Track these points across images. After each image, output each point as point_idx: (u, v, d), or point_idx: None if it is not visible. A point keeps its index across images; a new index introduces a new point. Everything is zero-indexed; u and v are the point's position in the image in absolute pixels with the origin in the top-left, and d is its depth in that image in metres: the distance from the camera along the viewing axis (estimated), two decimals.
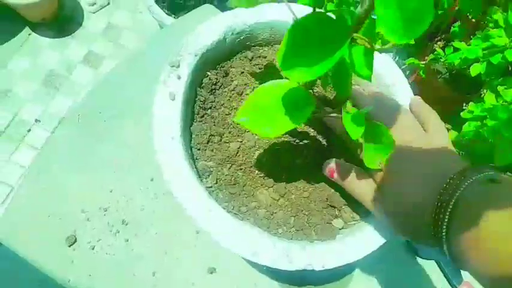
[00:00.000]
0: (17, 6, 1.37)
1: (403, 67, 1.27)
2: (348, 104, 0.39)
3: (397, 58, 1.33)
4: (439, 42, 1.41)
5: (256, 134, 0.51)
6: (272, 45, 0.58)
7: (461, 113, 1.06)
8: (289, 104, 0.37)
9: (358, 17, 0.29)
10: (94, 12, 1.58)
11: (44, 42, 1.49)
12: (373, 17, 0.30)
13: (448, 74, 1.39)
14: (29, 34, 1.49)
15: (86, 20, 1.55)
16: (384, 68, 0.56)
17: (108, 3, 1.60)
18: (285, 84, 0.38)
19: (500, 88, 0.96)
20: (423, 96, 1.48)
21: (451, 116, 1.32)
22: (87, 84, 1.39)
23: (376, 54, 0.55)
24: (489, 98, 0.99)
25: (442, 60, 1.16)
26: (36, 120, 1.35)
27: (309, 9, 0.49)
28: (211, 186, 0.48)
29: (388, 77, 0.55)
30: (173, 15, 1.20)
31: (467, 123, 1.03)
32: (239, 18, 0.53)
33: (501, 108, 0.91)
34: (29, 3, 1.34)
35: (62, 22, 1.53)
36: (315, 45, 0.29)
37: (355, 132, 0.36)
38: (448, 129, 1.28)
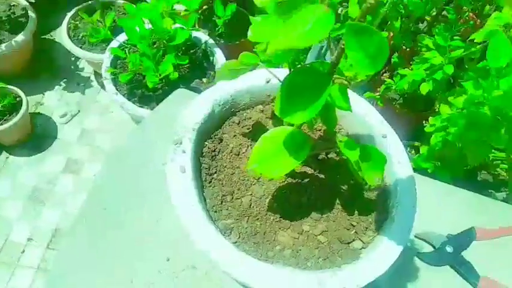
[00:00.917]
0: None
1: None
2: (338, 135, 0.46)
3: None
4: (385, 74, 1.58)
5: (263, 184, 0.56)
6: (253, 107, 0.65)
7: (425, 128, 1.17)
8: (290, 145, 0.44)
9: (332, 63, 0.37)
10: (66, 123, 1.64)
11: (22, 161, 1.52)
12: None
13: (401, 99, 1.53)
14: (7, 158, 1.52)
15: (60, 132, 1.61)
16: (354, 101, 0.64)
17: (79, 111, 1.68)
18: (283, 131, 0.45)
19: (450, 98, 1.08)
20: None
21: (415, 135, 1.44)
22: (73, 192, 1.41)
23: (357, 97, 0.64)
24: (444, 109, 1.10)
25: (393, 88, 1.29)
26: (28, 239, 1.33)
27: (284, 71, 0.58)
28: (236, 242, 0.52)
29: (360, 108, 0.64)
30: (146, 107, 1.28)
31: (433, 135, 1.13)
32: (221, 91, 0.61)
33: (458, 115, 1.02)
34: (5, 129, 1.39)
35: (37, 139, 1.58)
36: (304, 93, 0.36)
37: (353, 155, 0.43)
38: (418, 146, 1.39)
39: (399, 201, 0.56)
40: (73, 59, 1.79)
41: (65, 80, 1.76)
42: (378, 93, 1.35)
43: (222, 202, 0.55)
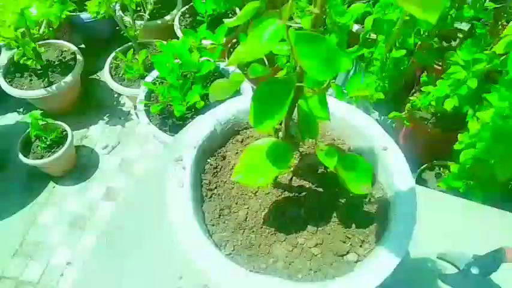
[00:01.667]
0: (42, 165, 1.56)
1: (388, 122, 1.38)
2: (320, 144, 0.47)
3: (381, 116, 1.45)
4: (416, 94, 1.54)
5: (260, 198, 0.58)
6: None
7: (454, 146, 1.13)
8: (272, 155, 0.46)
9: (297, 73, 0.39)
10: (107, 154, 1.77)
11: (67, 190, 1.65)
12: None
13: (434, 118, 1.48)
14: (53, 187, 1.66)
15: (102, 162, 1.74)
16: (354, 115, 0.65)
17: (118, 143, 1.80)
18: (267, 142, 0.47)
19: (477, 113, 1.04)
20: (418, 145, 1.57)
21: (450, 154, 1.38)
22: (112, 216, 1.49)
23: (356, 111, 0.65)
24: (472, 125, 1.06)
25: (418, 106, 1.26)
26: (67, 263, 1.42)
27: None
28: (230, 254, 0.54)
29: (360, 121, 0.64)
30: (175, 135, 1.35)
31: (462, 153, 1.08)
32: (223, 111, 0.65)
33: (484, 129, 0.98)
34: (50, 161, 1.53)
35: (81, 170, 1.71)
36: (271, 102, 0.38)
37: (330, 162, 0.44)
38: (449, 166, 1.33)
39: (398, 213, 0.55)
40: (115, 95, 1.94)
41: (107, 114, 1.90)
42: (404, 113, 1.33)
43: (219, 216, 0.57)
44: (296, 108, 0.47)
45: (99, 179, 1.69)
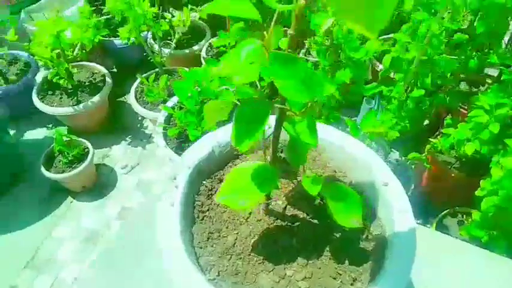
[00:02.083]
0: (62, 179, 1.61)
1: (408, 163, 1.33)
2: (308, 171, 0.46)
3: (402, 158, 1.40)
4: (439, 136, 1.50)
5: (251, 224, 0.56)
6: (256, 151, 0.67)
7: (476, 192, 1.07)
8: (257, 178, 0.45)
9: (280, 95, 0.39)
10: (126, 174, 1.80)
11: (84, 207, 1.67)
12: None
13: (458, 162, 1.42)
14: (71, 202, 1.69)
15: (120, 182, 1.77)
16: (357, 148, 0.63)
17: (138, 164, 1.83)
18: (254, 164, 0.46)
19: (500, 159, 0.99)
20: (441, 189, 1.50)
21: (472, 202, 1.31)
22: (120, 235, 1.49)
23: (359, 144, 0.63)
24: (495, 172, 1.01)
25: (438, 148, 1.22)
26: (74, 279, 1.42)
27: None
28: (214, 279, 0.52)
29: (362, 155, 0.62)
30: None
31: (483, 200, 1.02)
32: (223, 133, 0.65)
33: (506, 175, 0.93)
34: (70, 176, 1.57)
35: (100, 187, 1.74)
36: (250, 122, 0.38)
37: (313, 189, 0.42)
38: (472, 213, 1.26)
39: (396, 253, 0.51)
40: (139, 118, 2.00)
41: (130, 136, 1.95)
42: (424, 154, 1.28)
43: (208, 239, 0.56)
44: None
45: (116, 198, 1.72)
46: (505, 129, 1.06)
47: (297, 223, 0.57)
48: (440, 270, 0.79)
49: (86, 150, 1.66)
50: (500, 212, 1.01)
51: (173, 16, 1.66)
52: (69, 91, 1.80)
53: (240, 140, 0.37)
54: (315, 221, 0.57)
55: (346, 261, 0.53)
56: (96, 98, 1.77)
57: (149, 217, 0.87)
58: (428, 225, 1.44)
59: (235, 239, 0.55)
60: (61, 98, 1.79)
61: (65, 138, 1.59)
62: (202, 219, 0.58)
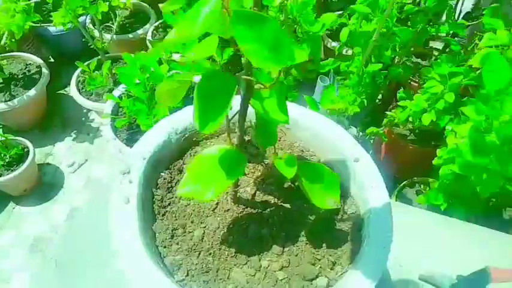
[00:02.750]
0: (1, 183, 1.45)
1: (367, 138, 1.34)
2: (279, 151, 0.41)
3: (359, 132, 1.41)
4: (393, 110, 1.52)
5: (219, 216, 0.51)
6: (218, 136, 0.62)
7: (433, 161, 1.09)
8: (225, 164, 0.39)
9: (245, 65, 0.34)
10: (73, 172, 1.66)
11: (28, 211, 1.53)
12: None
13: (412, 134, 1.46)
14: (13, 208, 1.54)
15: (67, 181, 1.63)
16: (325, 126, 0.59)
17: (86, 160, 1.70)
18: (219, 150, 0.41)
19: (454, 127, 1.01)
20: (398, 161, 1.53)
21: (429, 172, 1.34)
22: (71, 235, 1.38)
23: (326, 120, 0.60)
24: (450, 140, 1.03)
25: (395, 121, 1.23)
26: None
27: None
28: (182, 280, 0.46)
29: (331, 132, 0.59)
30: None
31: (441, 168, 1.04)
32: (179, 119, 0.59)
33: (463, 144, 0.94)
34: (9, 179, 1.42)
35: (44, 189, 1.60)
36: (214, 100, 0.32)
37: (288, 171, 0.38)
38: (430, 183, 1.29)
39: (372, 231, 0.49)
40: (84, 111, 1.85)
41: (75, 131, 1.81)
42: (382, 129, 1.29)
43: (172, 236, 0.50)
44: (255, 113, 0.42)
45: (63, 199, 1.59)
46: (458, 99, 1.08)
47: (268, 209, 0.52)
48: (401, 240, 0.80)
49: (26, 149, 1.50)
50: (457, 180, 1.03)
51: None
52: (0, 86, 1.61)
53: (204, 122, 0.31)
54: (287, 205, 0.53)
55: (324, 245, 0.50)
56: (32, 92, 1.61)
57: (100, 216, 0.79)
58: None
59: (203, 234, 0.50)
60: None
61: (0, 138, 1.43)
62: (164, 214, 0.52)
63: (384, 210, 0.50)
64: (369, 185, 0.53)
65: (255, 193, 0.54)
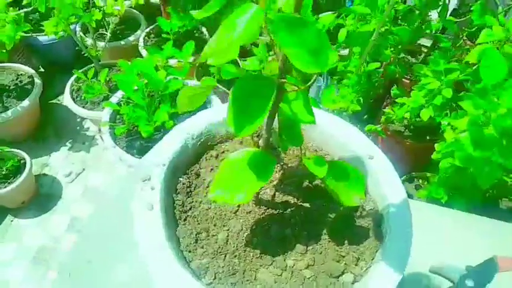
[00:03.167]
0: None
1: (365, 135, 1.36)
2: (307, 151, 0.42)
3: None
4: (387, 107, 1.55)
5: (241, 218, 0.52)
6: (232, 139, 0.63)
7: (432, 156, 1.11)
8: (254, 167, 0.40)
9: (279, 69, 0.34)
10: (71, 182, 1.65)
11: (27, 224, 1.51)
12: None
13: (407, 130, 1.48)
14: (11, 221, 1.52)
15: (64, 192, 1.61)
16: (337, 126, 0.61)
17: (83, 169, 1.69)
18: (246, 153, 0.41)
19: (452, 121, 1.03)
20: (396, 157, 1.55)
21: (426, 166, 1.37)
22: (77, 246, 1.37)
23: (337, 119, 0.61)
24: (448, 134, 1.05)
25: (393, 118, 1.25)
26: None
27: None
28: (211, 283, 0.47)
29: (344, 132, 0.60)
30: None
31: (441, 162, 1.07)
32: (194, 124, 0.59)
33: (462, 137, 0.96)
34: (6, 192, 1.40)
35: (42, 200, 1.58)
36: (252, 102, 0.33)
37: (320, 171, 0.39)
38: (428, 177, 1.32)
39: (392, 226, 0.50)
40: (79, 119, 1.84)
41: (70, 140, 1.79)
42: (379, 126, 1.31)
43: (196, 240, 0.50)
44: (277, 114, 0.43)
45: (62, 210, 1.57)
46: (454, 94, 1.11)
47: (289, 209, 0.53)
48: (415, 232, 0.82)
49: (22, 161, 1.48)
50: (458, 172, 1.06)
51: (103, 6, 1.52)
52: None
53: (240, 125, 0.32)
54: (307, 205, 0.54)
55: (346, 242, 0.51)
56: (25, 103, 1.59)
57: (107, 225, 0.79)
58: None
59: (227, 236, 0.50)
60: None
61: None
62: (185, 219, 0.53)
63: (402, 205, 0.52)
64: (384, 181, 0.54)
65: (274, 194, 0.54)
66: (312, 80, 0.34)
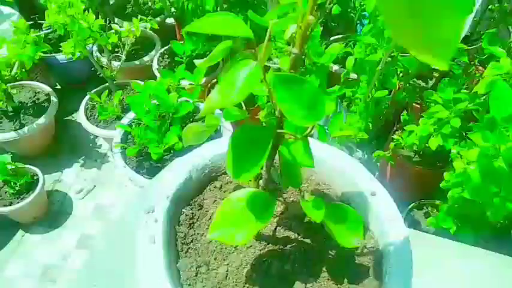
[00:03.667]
0: (7, 212, 1.45)
1: (373, 161, 1.36)
2: (306, 193, 0.42)
3: (365, 155, 1.43)
4: (397, 132, 1.54)
5: (241, 252, 0.52)
6: None
7: (441, 185, 1.10)
8: (254, 208, 0.41)
9: (277, 118, 0.35)
10: (82, 199, 1.67)
11: (38, 239, 1.53)
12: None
13: (417, 156, 1.47)
14: (22, 236, 1.55)
15: (75, 208, 1.64)
16: (340, 159, 0.61)
17: (94, 186, 1.71)
18: (247, 193, 0.42)
19: (462, 152, 1.02)
20: (405, 183, 1.54)
21: (436, 193, 1.35)
22: (83, 268, 1.38)
23: (339, 153, 0.61)
24: (458, 164, 1.04)
25: (402, 145, 1.25)
26: None
27: None
28: None
29: (347, 166, 0.61)
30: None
31: (450, 192, 1.05)
32: (199, 156, 0.60)
33: (472, 169, 0.96)
34: (19, 208, 1.43)
35: (53, 216, 1.61)
36: (250, 151, 0.34)
37: (317, 215, 0.39)
38: (438, 205, 1.30)
39: (393, 265, 0.50)
40: (92, 137, 1.87)
41: (83, 157, 1.83)
42: (388, 152, 1.31)
43: (196, 274, 0.51)
44: (278, 154, 0.43)
45: (73, 226, 1.59)
46: (463, 122, 1.10)
47: (289, 245, 0.53)
48: (420, 267, 0.81)
49: (35, 177, 1.52)
50: (467, 203, 1.05)
51: (121, 27, 1.57)
52: (9, 114, 1.64)
53: (238, 171, 0.33)
54: (307, 241, 0.54)
55: (345, 280, 0.51)
56: (41, 120, 1.63)
57: (114, 244, 0.80)
58: None
59: (227, 271, 0.51)
60: (1, 122, 1.63)
61: (9, 167, 1.44)
62: (187, 251, 0.53)
63: (403, 244, 0.52)
64: (386, 219, 0.54)
65: (275, 229, 0.55)
66: (309, 130, 0.35)
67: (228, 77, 0.30)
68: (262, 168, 0.41)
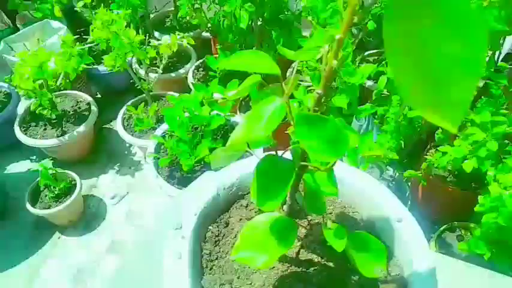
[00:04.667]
0: (48, 215, 1.54)
1: (404, 180, 1.33)
2: (328, 221, 0.43)
3: (396, 174, 1.40)
4: (431, 151, 1.50)
5: (264, 273, 0.53)
6: None
7: (475, 208, 1.06)
8: (276, 233, 0.42)
9: (301, 151, 0.37)
10: (115, 204, 1.74)
11: (73, 242, 1.61)
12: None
13: (451, 176, 1.43)
14: (59, 237, 1.62)
15: (109, 213, 1.71)
16: (368, 184, 0.61)
17: (127, 193, 1.78)
18: (269, 218, 0.44)
19: (498, 176, 0.99)
20: (437, 204, 1.49)
21: (470, 215, 1.30)
22: (113, 273, 1.43)
23: (367, 177, 0.61)
24: (493, 188, 1.01)
25: (435, 166, 1.22)
26: None
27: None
28: None
29: (374, 191, 0.60)
30: (184, 188, 1.32)
31: (484, 217, 1.02)
32: (227, 174, 0.62)
33: (508, 197, 0.92)
34: (57, 211, 1.50)
35: (88, 220, 1.68)
36: (274, 181, 0.35)
37: (339, 245, 0.40)
38: (471, 228, 1.25)
39: None
40: (127, 145, 1.95)
41: (118, 164, 1.90)
42: (420, 172, 1.28)
43: None
44: (302, 181, 0.44)
45: (106, 231, 1.65)
46: (501, 145, 1.06)
47: (312, 268, 0.54)
48: None
49: (73, 182, 1.60)
50: (501, 229, 1.00)
51: (159, 40, 1.64)
52: (53, 121, 1.74)
53: (263, 201, 0.34)
54: (330, 264, 0.55)
55: None
56: (82, 128, 1.72)
57: (145, 254, 0.83)
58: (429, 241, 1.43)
59: None
60: (45, 129, 1.73)
61: (50, 171, 1.53)
62: (211, 269, 0.55)
63: (428, 273, 0.51)
64: (412, 247, 0.54)
65: (299, 251, 0.55)
66: (332, 163, 0.36)
67: (254, 114, 0.31)
68: (286, 196, 0.42)
